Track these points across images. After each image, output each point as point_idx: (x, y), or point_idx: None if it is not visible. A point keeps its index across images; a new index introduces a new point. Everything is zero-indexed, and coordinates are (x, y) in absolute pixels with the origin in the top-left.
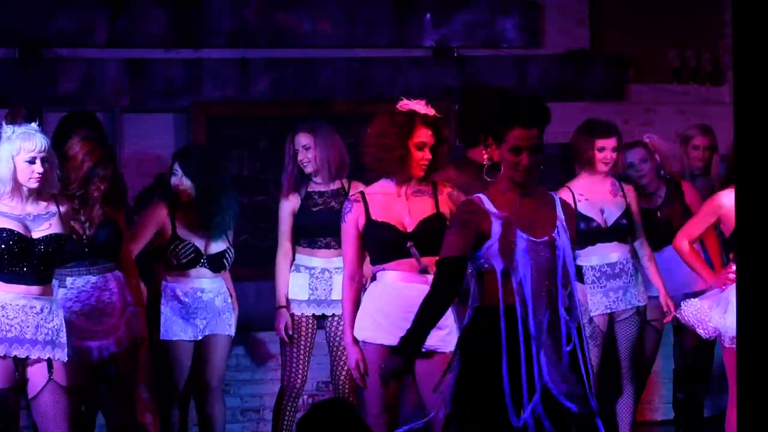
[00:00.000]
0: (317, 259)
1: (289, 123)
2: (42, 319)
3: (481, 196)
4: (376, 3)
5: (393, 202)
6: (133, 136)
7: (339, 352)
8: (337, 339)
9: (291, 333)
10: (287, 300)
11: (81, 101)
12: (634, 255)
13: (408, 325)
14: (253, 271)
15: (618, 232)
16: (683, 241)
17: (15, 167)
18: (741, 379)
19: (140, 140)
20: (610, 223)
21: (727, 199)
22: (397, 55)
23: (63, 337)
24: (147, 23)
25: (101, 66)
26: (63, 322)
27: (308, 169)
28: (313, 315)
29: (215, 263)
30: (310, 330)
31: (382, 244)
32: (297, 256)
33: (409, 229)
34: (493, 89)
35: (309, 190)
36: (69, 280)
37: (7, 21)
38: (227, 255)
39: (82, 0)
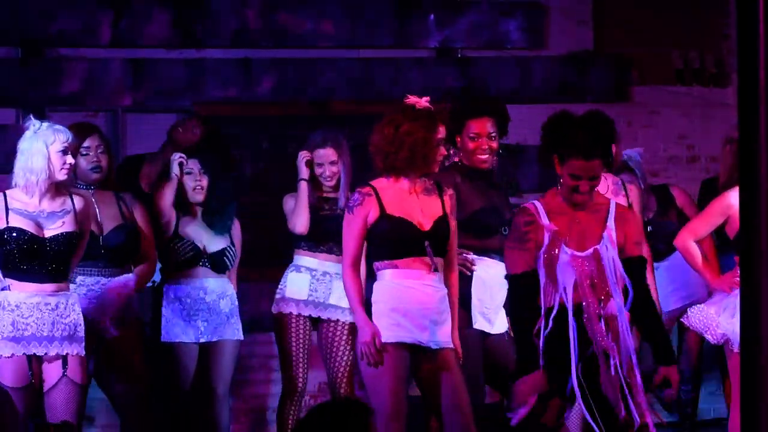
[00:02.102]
0: (318, 262)
1: (291, 123)
2: (58, 315)
3: (537, 205)
4: (379, 3)
5: (406, 199)
6: (135, 136)
7: (333, 356)
8: (333, 344)
9: (289, 335)
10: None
11: (83, 101)
12: None
13: (427, 323)
14: (255, 271)
15: None
16: (687, 240)
17: (49, 157)
18: (744, 383)
19: (142, 140)
20: None
21: (736, 199)
22: (400, 55)
23: (81, 332)
24: (149, 23)
25: (104, 66)
26: (81, 316)
27: (330, 183)
28: (309, 316)
29: (216, 262)
30: (306, 330)
31: (397, 240)
32: (296, 257)
33: (426, 228)
34: (571, 117)
35: (316, 194)
36: (79, 278)
37: (10, 20)
38: (228, 253)
39: (85, 0)
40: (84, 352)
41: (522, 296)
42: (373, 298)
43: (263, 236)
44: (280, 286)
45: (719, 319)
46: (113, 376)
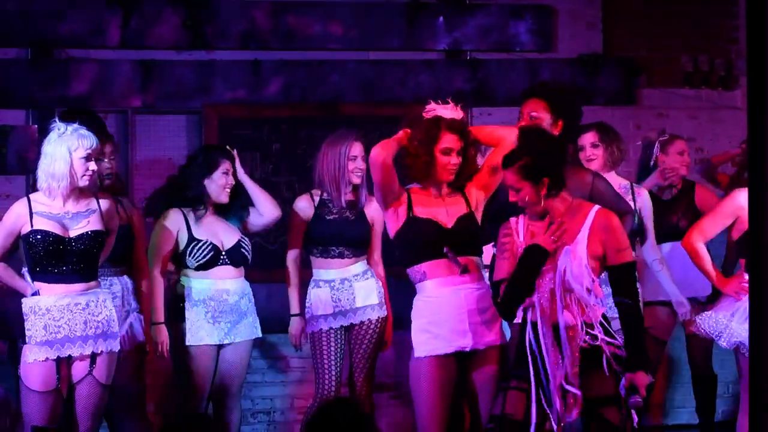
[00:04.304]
0: (333, 271)
1: (300, 125)
2: (89, 314)
3: (519, 219)
4: (388, 5)
5: (432, 201)
6: (144, 138)
7: (356, 350)
8: (360, 340)
9: (322, 350)
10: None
11: (93, 102)
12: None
13: (467, 326)
14: (264, 273)
15: None
16: (697, 241)
17: (72, 163)
18: (752, 384)
19: (152, 142)
20: None
21: (746, 199)
22: (409, 57)
23: (114, 327)
24: (159, 25)
25: (113, 67)
26: (113, 311)
27: (357, 180)
28: (341, 326)
29: (235, 256)
30: (339, 342)
31: (422, 241)
32: (314, 270)
33: (449, 226)
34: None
35: (323, 198)
36: None
37: (19, 21)
38: (243, 245)
39: (94, 1)
40: (118, 347)
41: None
42: (412, 315)
43: (272, 238)
44: (306, 305)
45: (731, 324)
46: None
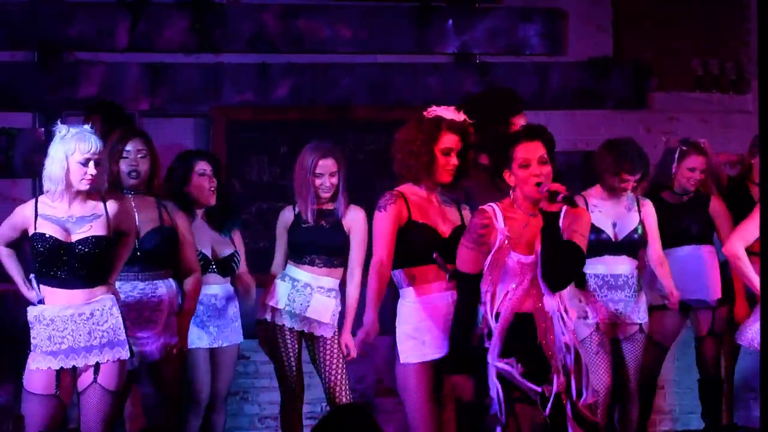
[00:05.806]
0: (302, 273)
1: (308, 128)
2: (94, 324)
3: (495, 207)
4: (397, 9)
5: (428, 206)
6: (153, 141)
7: (326, 371)
8: (325, 360)
9: (276, 342)
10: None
11: None
12: (642, 269)
13: (447, 333)
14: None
15: (628, 247)
16: (739, 246)
17: (68, 167)
18: (763, 383)
19: (160, 145)
20: (621, 237)
21: None
22: (418, 61)
23: (122, 335)
24: (167, 27)
25: (121, 70)
26: (120, 318)
27: (327, 195)
28: (292, 328)
29: (225, 268)
30: (292, 337)
31: (420, 246)
32: (287, 266)
33: (446, 234)
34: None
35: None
36: (117, 283)
37: (27, 24)
38: (235, 258)
39: (102, 4)
40: (127, 355)
41: (469, 296)
42: (398, 321)
43: None
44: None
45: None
46: (145, 377)
